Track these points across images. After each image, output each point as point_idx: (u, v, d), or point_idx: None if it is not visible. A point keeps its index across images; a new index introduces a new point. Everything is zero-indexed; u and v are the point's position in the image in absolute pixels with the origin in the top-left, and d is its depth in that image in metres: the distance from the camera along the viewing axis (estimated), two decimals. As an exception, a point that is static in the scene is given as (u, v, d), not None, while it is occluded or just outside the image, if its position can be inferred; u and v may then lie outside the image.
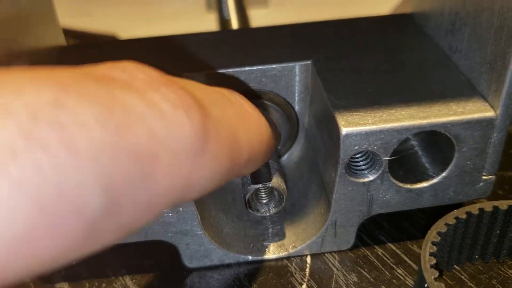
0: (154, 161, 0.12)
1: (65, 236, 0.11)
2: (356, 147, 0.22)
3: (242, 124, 0.17)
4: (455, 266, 0.25)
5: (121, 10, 0.53)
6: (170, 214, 0.23)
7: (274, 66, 0.27)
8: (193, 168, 0.13)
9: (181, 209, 0.23)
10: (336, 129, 0.23)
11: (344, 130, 0.22)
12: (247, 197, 0.24)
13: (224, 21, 0.42)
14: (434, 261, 0.21)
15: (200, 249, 0.25)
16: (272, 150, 0.21)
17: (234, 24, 0.42)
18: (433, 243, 0.22)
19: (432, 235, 0.22)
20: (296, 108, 0.28)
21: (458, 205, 0.25)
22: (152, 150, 0.12)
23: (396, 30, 0.30)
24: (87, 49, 0.30)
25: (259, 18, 0.49)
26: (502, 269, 0.25)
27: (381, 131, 0.22)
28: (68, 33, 0.49)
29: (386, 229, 0.27)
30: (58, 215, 0.10)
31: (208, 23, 0.48)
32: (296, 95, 0.28)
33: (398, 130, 0.22)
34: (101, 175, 0.11)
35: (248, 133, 0.17)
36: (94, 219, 0.11)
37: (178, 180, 0.13)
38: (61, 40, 0.30)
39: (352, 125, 0.22)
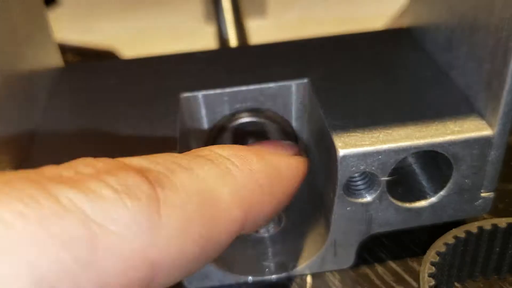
0: (92, 246, 0.12)
1: None
2: (354, 168, 0.22)
3: (222, 181, 0.16)
4: (456, 284, 0.25)
5: (120, 25, 0.53)
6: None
7: (271, 85, 0.27)
8: (148, 247, 0.13)
9: (180, 232, 0.23)
10: (333, 150, 0.23)
11: (341, 152, 0.22)
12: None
13: (222, 35, 0.42)
14: (433, 282, 0.21)
15: (199, 270, 0.25)
16: (300, 180, 0.21)
17: (232, 37, 0.42)
18: (432, 264, 0.22)
19: (431, 255, 0.22)
20: (294, 125, 0.28)
21: (459, 221, 0.25)
22: (87, 236, 0.12)
23: (394, 46, 0.30)
24: (85, 70, 0.30)
25: (257, 29, 0.49)
26: (504, 286, 0.25)
27: (378, 152, 0.22)
28: (67, 48, 0.49)
29: (386, 246, 0.27)
30: None
31: (207, 36, 0.48)
32: (294, 113, 0.28)
33: (395, 151, 0.22)
34: (29, 267, 0.11)
35: (235, 188, 0.17)
36: None
37: (133, 260, 0.13)
38: (58, 61, 0.30)
39: (349, 146, 0.22)
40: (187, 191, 0.15)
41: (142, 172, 0.15)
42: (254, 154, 0.18)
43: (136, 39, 0.50)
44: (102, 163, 0.15)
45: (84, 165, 0.14)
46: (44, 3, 0.29)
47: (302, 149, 0.22)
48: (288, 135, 0.28)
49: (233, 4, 0.46)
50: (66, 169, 0.14)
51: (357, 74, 0.27)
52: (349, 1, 0.54)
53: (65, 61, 0.31)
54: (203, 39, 0.48)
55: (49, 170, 0.14)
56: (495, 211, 0.29)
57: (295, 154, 0.21)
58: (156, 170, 0.15)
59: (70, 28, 0.52)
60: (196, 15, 0.53)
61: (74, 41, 0.50)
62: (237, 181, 0.17)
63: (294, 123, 0.28)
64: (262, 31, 0.50)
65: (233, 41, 0.40)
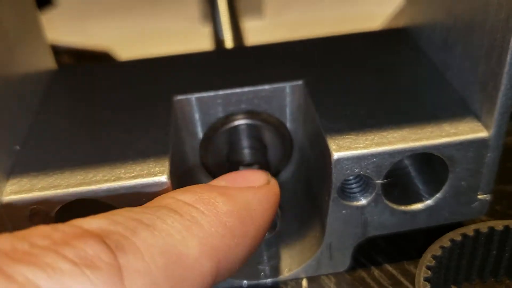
0: None
1: None
2: (348, 171, 0.22)
3: (188, 233, 0.15)
4: (453, 287, 0.25)
5: (115, 26, 0.53)
6: (162, 243, 0.23)
7: (265, 87, 0.27)
8: None
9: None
10: (327, 153, 0.22)
11: (336, 155, 0.22)
12: (240, 222, 0.23)
13: (218, 36, 0.42)
14: (428, 286, 0.21)
15: None
16: (274, 210, 0.20)
17: (228, 38, 0.42)
18: (428, 267, 0.22)
19: (427, 259, 0.22)
20: (290, 127, 0.28)
21: (456, 223, 0.25)
22: None
23: (390, 46, 0.30)
24: (78, 73, 0.30)
25: (253, 30, 0.49)
26: (500, 288, 0.25)
27: (372, 155, 0.22)
28: (62, 50, 0.49)
29: (383, 249, 0.27)
30: None
31: (203, 38, 0.48)
32: (289, 115, 0.28)
33: (390, 153, 0.22)
34: None
35: (203, 238, 0.16)
36: None
37: None
38: (51, 64, 0.30)
39: (344, 149, 0.22)
40: (151, 253, 0.14)
41: (101, 237, 0.14)
42: (220, 195, 0.17)
43: (131, 40, 0.49)
44: (58, 232, 0.14)
45: (40, 237, 0.13)
46: (39, 5, 0.29)
47: (270, 172, 0.21)
48: (283, 137, 0.28)
49: (229, 5, 0.46)
50: (21, 242, 0.13)
51: (353, 75, 0.27)
52: (345, 2, 0.54)
53: (60, 62, 0.31)
54: (199, 40, 0.48)
55: (3, 244, 0.13)
56: (493, 213, 0.29)
57: (265, 181, 0.20)
58: (116, 232, 0.14)
59: (65, 29, 0.52)
60: (192, 16, 0.52)
61: (70, 42, 0.50)
62: (204, 230, 0.16)
63: (289, 125, 0.28)
64: (258, 32, 0.49)
65: (229, 42, 0.40)
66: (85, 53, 0.49)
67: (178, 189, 0.18)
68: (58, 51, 0.31)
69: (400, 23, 0.32)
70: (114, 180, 0.21)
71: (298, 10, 0.54)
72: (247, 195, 0.18)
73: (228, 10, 0.45)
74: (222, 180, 0.19)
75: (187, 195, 0.17)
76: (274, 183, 0.20)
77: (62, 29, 0.52)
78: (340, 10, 0.52)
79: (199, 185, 0.19)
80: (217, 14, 0.45)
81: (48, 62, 0.30)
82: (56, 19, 0.55)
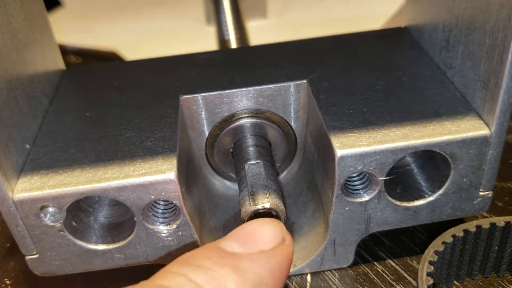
0: None
1: None
2: (352, 169, 0.23)
3: None
4: (455, 282, 0.25)
5: (122, 26, 0.54)
6: (170, 239, 0.24)
7: (269, 86, 0.27)
8: None
9: (180, 233, 0.24)
10: (331, 150, 0.23)
11: (339, 152, 0.22)
12: (245, 219, 0.24)
13: (223, 36, 0.42)
14: (431, 281, 0.21)
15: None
16: (286, 274, 0.20)
17: (233, 38, 0.42)
18: (430, 263, 0.22)
19: (429, 254, 0.22)
20: (293, 126, 0.29)
21: (458, 219, 0.25)
22: None
23: (392, 45, 0.30)
24: (86, 73, 0.30)
25: (258, 30, 0.49)
26: (502, 283, 0.25)
27: (375, 152, 0.22)
28: (69, 50, 0.50)
29: (386, 245, 0.28)
30: None
31: (208, 37, 0.48)
32: (293, 113, 0.28)
33: (392, 151, 0.23)
34: None
35: None
36: None
37: None
38: (60, 64, 0.31)
39: (347, 146, 0.22)
40: None
41: None
42: (232, 272, 0.18)
43: (137, 40, 0.50)
44: None
45: None
46: (47, 6, 0.29)
47: (284, 222, 0.21)
48: (287, 135, 0.29)
49: (233, 5, 0.47)
50: None
51: (355, 74, 0.27)
52: (348, 2, 0.54)
53: (67, 62, 0.32)
54: (204, 40, 0.48)
55: None
56: (494, 210, 0.29)
57: (279, 239, 0.20)
58: None
59: (72, 30, 0.53)
60: (197, 17, 0.53)
61: (77, 42, 0.50)
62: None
63: (293, 124, 0.28)
64: (262, 32, 0.50)
65: (233, 42, 0.41)
66: (91, 53, 0.49)
67: (190, 257, 0.18)
68: (64, 51, 0.31)
69: (402, 23, 0.32)
70: (123, 178, 0.22)
71: (301, 11, 0.54)
72: (260, 265, 0.18)
73: (232, 10, 0.46)
74: (235, 243, 0.19)
75: (199, 275, 0.17)
76: (289, 241, 0.20)
77: (69, 30, 0.53)
78: (343, 11, 0.53)
79: (213, 247, 0.19)
80: (222, 14, 0.46)
81: (57, 62, 0.30)
82: (63, 19, 0.55)
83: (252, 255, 0.19)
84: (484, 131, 0.23)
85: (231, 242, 0.19)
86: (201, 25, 0.52)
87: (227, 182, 0.30)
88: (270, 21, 0.53)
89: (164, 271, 0.18)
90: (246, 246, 0.19)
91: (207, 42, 0.46)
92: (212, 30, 0.48)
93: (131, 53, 0.48)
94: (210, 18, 0.51)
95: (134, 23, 0.54)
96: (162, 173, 0.22)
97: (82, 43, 0.50)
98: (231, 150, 0.28)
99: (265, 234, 0.20)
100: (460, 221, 0.25)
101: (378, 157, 0.23)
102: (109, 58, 0.48)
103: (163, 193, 0.22)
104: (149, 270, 0.25)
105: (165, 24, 0.53)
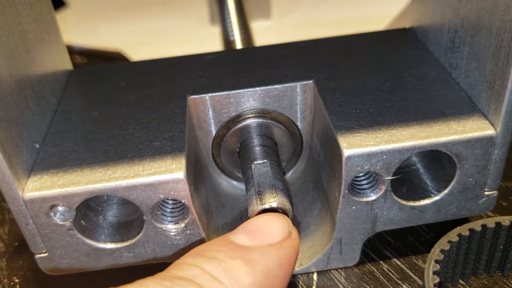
0: None
1: None
2: (359, 168, 0.23)
3: None
4: (460, 281, 0.26)
5: (126, 26, 0.54)
6: (179, 237, 0.24)
7: (276, 86, 0.27)
8: None
9: (188, 232, 0.24)
10: (338, 150, 0.23)
11: (346, 152, 0.23)
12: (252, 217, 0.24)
13: (228, 36, 0.43)
14: (437, 279, 0.21)
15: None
16: (293, 265, 0.21)
17: (237, 38, 0.43)
18: (436, 261, 0.22)
19: (435, 253, 0.23)
20: (300, 125, 0.29)
21: (463, 219, 0.26)
22: None
23: (397, 46, 0.30)
24: (93, 73, 0.31)
25: (262, 30, 0.49)
26: (508, 282, 0.25)
27: (382, 152, 0.23)
28: (75, 50, 0.50)
29: (391, 244, 0.28)
30: None
31: (213, 37, 0.48)
32: (299, 113, 0.28)
33: (399, 151, 0.23)
34: None
35: None
36: None
37: None
38: (68, 64, 0.31)
39: (354, 146, 0.23)
40: None
41: None
42: (244, 263, 0.19)
43: (142, 40, 0.50)
44: None
45: None
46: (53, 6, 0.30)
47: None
48: (293, 135, 0.29)
49: (237, 5, 0.47)
50: None
51: (362, 74, 0.28)
52: (354, 2, 0.54)
53: (73, 62, 0.32)
54: (209, 40, 0.48)
55: None
56: (499, 209, 0.29)
57: (286, 232, 0.21)
58: None
59: (77, 29, 0.53)
60: (202, 17, 0.53)
61: (81, 43, 0.51)
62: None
63: (299, 124, 0.29)
64: (266, 32, 0.50)
65: (238, 42, 0.41)
66: (96, 53, 0.49)
67: (203, 249, 0.19)
68: (70, 51, 0.32)
69: (406, 24, 0.33)
70: (133, 177, 0.22)
71: (305, 11, 0.54)
72: (269, 258, 0.20)
73: (236, 10, 0.46)
74: (246, 236, 0.21)
75: (214, 266, 0.19)
76: (295, 235, 0.22)
77: (74, 30, 0.53)
78: (348, 11, 0.53)
79: (225, 240, 0.20)
80: (227, 15, 0.46)
81: (65, 62, 0.30)
82: (68, 19, 0.56)
83: (262, 248, 0.20)
84: (489, 131, 0.23)
85: (242, 235, 0.21)
86: (205, 25, 0.53)
87: (233, 182, 0.30)
88: (274, 21, 0.53)
89: (180, 262, 0.19)
90: (256, 239, 0.20)
91: (211, 42, 0.46)
92: (216, 30, 0.48)
93: (136, 53, 0.48)
94: (214, 18, 0.51)
95: (139, 23, 0.54)
96: (171, 172, 0.22)
97: (87, 43, 0.51)
98: (238, 149, 0.29)
99: (273, 228, 0.21)
100: (465, 220, 0.26)
101: (384, 157, 0.23)
102: (114, 58, 0.48)
103: (172, 192, 0.22)
104: (156, 268, 0.26)
105: (170, 24, 0.53)
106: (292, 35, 0.48)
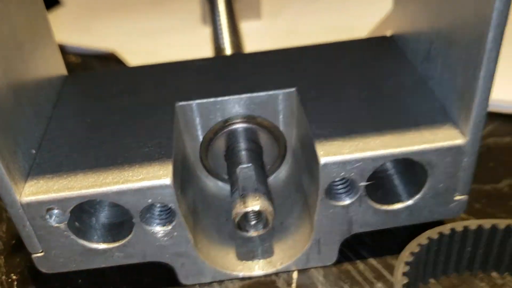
0: None
1: None
2: (334, 175, 0.24)
3: None
4: (431, 280, 0.27)
5: (119, 26, 0.55)
6: (166, 239, 0.25)
7: (261, 94, 0.29)
8: None
9: (176, 233, 0.25)
10: (315, 157, 0.24)
11: (323, 160, 0.24)
12: (236, 220, 0.26)
13: (218, 38, 0.44)
14: (406, 280, 0.23)
15: (194, 268, 0.27)
16: None
17: (227, 40, 0.44)
18: (407, 263, 0.24)
19: (405, 255, 0.24)
20: (283, 130, 0.30)
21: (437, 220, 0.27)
22: None
23: (378, 54, 0.32)
24: (86, 79, 0.32)
25: (252, 30, 0.50)
26: (475, 281, 0.27)
27: (356, 160, 0.24)
28: (68, 50, 0.51)
29: (368, 244, 0.29)
30: None
31: (204, 38, 0.49)
32: (282, 119, 0.30)
33: (373, 159, 0.24)
34: None
35: None
36: None
37: None
38: (62, 69, 0.32)
39: (330, 154, 0.24)
40: None
41: None
42: None
43: (135, 41, 0.51)
44: None
45: None
46: (46, 5, 0.30)
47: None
48: (277, 139, 0.30)
49: (228, 6, 0.48)
50: None
51: (342, 83, 0.29)
52: (345, 5, 0.55)
53: (67, 62, 0.33)
54: (201, 40, 0.50)
55: None
56: (472, 211, 0.31)
57: None
58: None
59: (71, 29, 0.54)
60: (193, 18, 0.54)
61: (75, 42, 0.52)
62: None
63: (282, 129, 0.30)
64: (256, 33, 0.51)
65: (227, 45, 0.42)
66: (90, 53, 0.50)
67: None
68: (63, 51, 0.33)
69: (388, 31, 0.34)
70: (122, 183, 0.23)
71: (295, 13, 0.55)
72: None
73: (226, 11, 0.47)
74: None
75: None
76: None
77: (68, 29, 0.54)
78: (339, 15, 0.54)
79: None
80: (217, 16, 0.47)
81: (59, 68, 0.32)
82: (62, 19, 0.57)
83: None
84: (459, 140, 0.25)
85: None
86: (198, 25, 0.54)
87: (220, 183, 0.32)
88: (264, 22, 0.54)
89: None
90: None
91: (203, 42, 0.48)
92: (208, 31, 0.49)
93: (129, 53, 0.49)
94: (206, 18, 0.52)
95: (133, 23, 0.55)
96: (158, 178, 0.23)
97: (81, 43, 0.51)
98: (224, 153, 0.30)
99: None
100: (439, 222, 0.27)
101: (359, 164, 0.24)
102: (108, 58, 0.49)
103: (159, 197, 0.24)
104: (145, 266, 0.27)
105: (163, 24, 0.54)
106: (281, 35, 0.49)
